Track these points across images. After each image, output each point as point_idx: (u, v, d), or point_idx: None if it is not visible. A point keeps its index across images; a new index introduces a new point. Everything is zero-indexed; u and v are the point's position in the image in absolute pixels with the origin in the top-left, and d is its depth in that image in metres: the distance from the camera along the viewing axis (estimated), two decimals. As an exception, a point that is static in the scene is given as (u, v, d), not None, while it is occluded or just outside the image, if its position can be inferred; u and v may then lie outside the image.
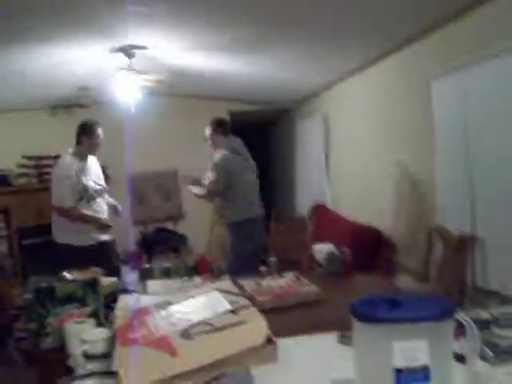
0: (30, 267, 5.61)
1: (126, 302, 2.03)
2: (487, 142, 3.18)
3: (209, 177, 4.43)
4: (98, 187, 4.28)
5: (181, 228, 6.72)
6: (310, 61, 4.83)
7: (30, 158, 6.16)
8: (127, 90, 4.51)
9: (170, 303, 1.49)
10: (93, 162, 4.35)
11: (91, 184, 4.18)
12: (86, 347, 1.48)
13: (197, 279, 2.81)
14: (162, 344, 1.21)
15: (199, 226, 6.46)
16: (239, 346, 1.18)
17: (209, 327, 1.27)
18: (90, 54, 4.27)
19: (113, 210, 4.41)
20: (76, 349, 1.72)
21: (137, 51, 4.19)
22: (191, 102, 6.74)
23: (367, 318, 1.12)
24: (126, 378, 1.09)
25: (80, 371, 1.57)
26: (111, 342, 1.43)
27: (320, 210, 5.56)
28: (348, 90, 5.42)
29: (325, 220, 4.81)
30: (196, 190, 4.46)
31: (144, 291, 2.62)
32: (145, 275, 2.92)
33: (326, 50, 4.32)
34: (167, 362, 1.15)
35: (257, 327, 1.27)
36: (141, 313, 1.48)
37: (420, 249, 3.76)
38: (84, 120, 4.34)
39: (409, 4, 3.16)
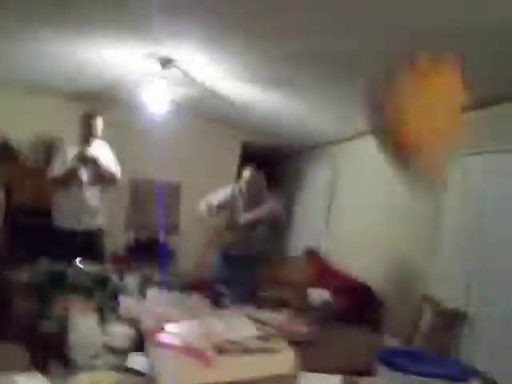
0: (21, 247, 5.51)
1: (130, 305, 2.05)
2: (496, 222, 3.29)
3: None
4: None
5: (172, 241, 6.70)
6: (334, 108, 4.86)
7: (41, 140, 6.15)
8: (155, 97, 4.56)
9: (198, 316, 1.52)
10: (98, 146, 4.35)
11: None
12: (107, 339, 1.49)
13: (195, 295, 2.82)
14: (198, 354, 1.24)
15: (191, 243, 6.46)
16: (269, 371, 1.22)
17: (242, 347, 1.31)
18: (125, 55, 4.28)
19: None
20: (76, 339, 1.72)
21: (171, 63, 4.23)
22: (206, 124, 6.86)
23: (398, 368, 1.18)
24: (163, 381, 1.11)
25: (80, 362, 1.57)
26: (134, 340, 1.46)
27: (313, 256, 5.60)
28: (360, 148, 5.48)
29: (318, 266, 4.85)
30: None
31: (143, 298, 2.62)
32: (144, 282, 2.92)
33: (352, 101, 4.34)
34: (202, 371, 1.18)
35: (286, 357, 1.31)
36: (166, 318, 1.50)
37: (407, 312, 3.80)
38: (85, 110, 4.40)
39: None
